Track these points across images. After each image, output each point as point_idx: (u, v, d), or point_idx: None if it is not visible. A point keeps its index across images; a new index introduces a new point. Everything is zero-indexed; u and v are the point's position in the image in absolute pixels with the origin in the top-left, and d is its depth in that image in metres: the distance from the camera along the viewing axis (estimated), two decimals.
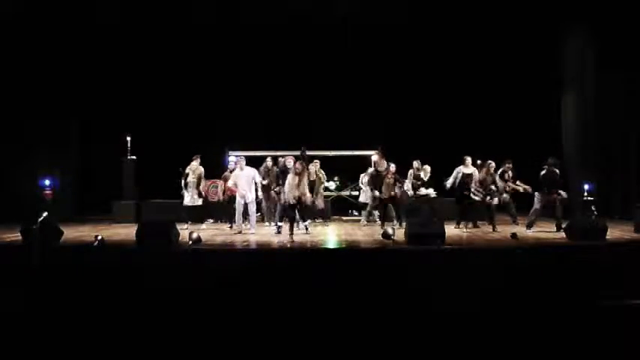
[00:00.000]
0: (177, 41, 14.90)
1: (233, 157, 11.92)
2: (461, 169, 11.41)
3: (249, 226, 10.97)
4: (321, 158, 12.40)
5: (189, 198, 11.71)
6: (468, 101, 15.01)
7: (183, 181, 11.81)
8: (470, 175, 11.24)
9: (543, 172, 10.58)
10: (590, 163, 13.28)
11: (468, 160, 11.41)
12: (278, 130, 14.55)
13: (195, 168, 11.78)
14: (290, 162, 10.94)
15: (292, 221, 10.29)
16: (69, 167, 14.13)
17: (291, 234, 10.03)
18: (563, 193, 10.44)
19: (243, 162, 11.00)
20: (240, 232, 10.71)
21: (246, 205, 10.87)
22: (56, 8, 13.41)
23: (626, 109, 13.18)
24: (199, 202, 11.76)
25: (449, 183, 11.45)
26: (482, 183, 10.93)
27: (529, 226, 10.60)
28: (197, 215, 12.00)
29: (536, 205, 10.61)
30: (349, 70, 15.02)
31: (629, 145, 13.25)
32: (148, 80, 14.85)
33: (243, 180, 10.85)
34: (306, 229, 10.74)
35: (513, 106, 14.54)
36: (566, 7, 13.37)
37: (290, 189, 10.10)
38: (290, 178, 10.20)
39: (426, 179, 11.84)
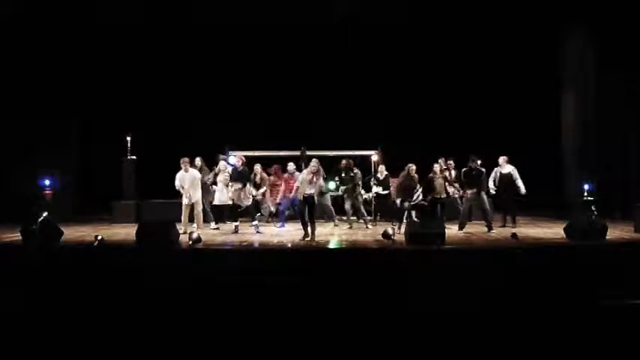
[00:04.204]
0: (177, 41, 14.90)
1: (233, 158, 11.93)
2: (498, 170, 11.69)
3: (253, 224, 11.12)
4: (321, 158, 12.36)
5: (219, 196, 11.67)
6: (468, 101, 15.01)
7: (211, 180, 11.89)
8: (508, 175, 11.55)
9: (464, 169, 11.01)
10: (590, 163, 13.28)
11: (501, 159, 11.72)
12: (278, 130, 14.55)
13: (224, 168, 11.68)
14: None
15: (302, 219, 10.05)
16: (69, 167, 14.11)
17: (305, 234, 9.94)
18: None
19: (188, 164, 11.34)
20: (185, 232, 10.49)
21: (237, 204, 11.07)
22: (56, 8, 13.41)
23: (626, 109, 13.18)
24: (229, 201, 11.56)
25: (491, 185, 11.59)
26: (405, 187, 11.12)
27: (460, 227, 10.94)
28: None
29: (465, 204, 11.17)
30: (349, 70, 15.02)
31: (629, 145, 13.26)
32: (147, 80, 14.84)
33: (188, 181, 11.23)
34: (257, 227, 10.99)
35: (513, 106, 14.54)
36: (566, 7, 13.37)
37: (302, 186, 9.98)
38: (304, 175, 10.09)
39: (382, 178, 12.37)
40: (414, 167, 11.05)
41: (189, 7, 14.37)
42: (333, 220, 12.22)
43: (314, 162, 10.09)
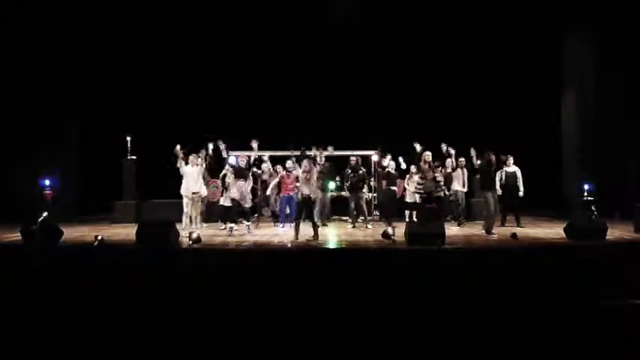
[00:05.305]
0: (177, 41, 14.91)
1: (233, 158, 11.92)
2: (504, 168, 11.65)
3: (246, 224, 11.11)
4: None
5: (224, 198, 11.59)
6: (469, 101, 15.02)
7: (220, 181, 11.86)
8: (513, 174, 11.61)
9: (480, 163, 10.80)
10: (590, 163, 13.28)
11: (510, 159, 11.72)
12: (278, 130, 14.54)
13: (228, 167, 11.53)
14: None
15: (297, 220, 10.07)
16: (69, 167, 14.11)
17: (295, 236, 9.92)
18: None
19: (197, 159, 11.41)
20: (195, 227, 10.57)
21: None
22: (56, 8, 13.42)
23: (626, 109, 13.19)
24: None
25: (497, 185, 11.49)
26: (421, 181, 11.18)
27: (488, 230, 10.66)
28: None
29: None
30: (349, 71, 15.02)
31: (629, 145, 13.25)
32: (147, 80, 14.85)
33: (193, 176, 11.32)
34: (248, 228, 11.02)
35: (514, 106, 14.55)
36: (566, 7, 13.37)
37: (300, 186, 10.03)
38: (300, 175, 10.14)
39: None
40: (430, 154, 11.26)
41: (189, 7, 14.37)
42: (326, 220, 12.26)
43: (305, 162, 10.12)
